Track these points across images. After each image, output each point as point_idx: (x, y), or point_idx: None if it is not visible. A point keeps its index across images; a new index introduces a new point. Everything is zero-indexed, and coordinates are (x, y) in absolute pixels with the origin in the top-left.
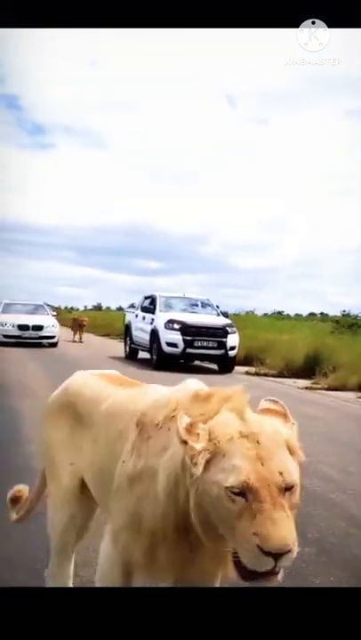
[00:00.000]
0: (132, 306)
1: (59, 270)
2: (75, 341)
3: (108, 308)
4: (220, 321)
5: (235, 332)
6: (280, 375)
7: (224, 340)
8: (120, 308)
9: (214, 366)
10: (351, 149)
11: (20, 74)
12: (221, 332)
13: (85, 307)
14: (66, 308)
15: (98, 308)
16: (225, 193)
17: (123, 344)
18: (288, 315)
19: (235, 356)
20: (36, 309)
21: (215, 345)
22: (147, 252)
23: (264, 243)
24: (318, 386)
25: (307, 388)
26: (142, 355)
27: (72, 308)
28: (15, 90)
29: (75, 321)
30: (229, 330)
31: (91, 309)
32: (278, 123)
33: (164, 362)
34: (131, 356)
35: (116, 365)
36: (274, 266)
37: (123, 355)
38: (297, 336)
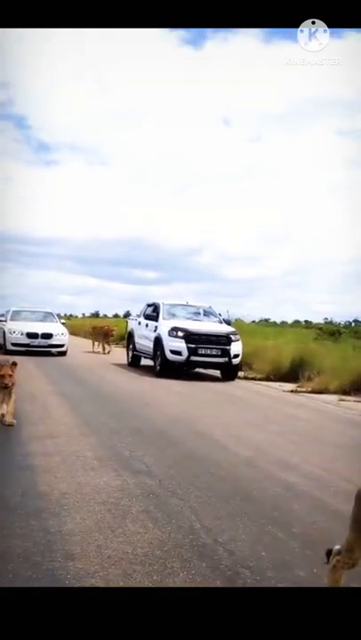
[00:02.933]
0: (128, 314)
1: (60, 279)
2: (95, 352)
3: (105, 315)
4: (224, 329)
5: (238, 340)
6: (267, 379)
7: (228, 347)
8: (116, 316)
9: (217, 373)
10: (340, 168)
11: (28, 95)
12: (225, 340)
13: (83, 314)
14: (65, 315)
15: (95, 315)
16: (219, 207)
17: (120, 348)
18: (275, 322)
19: (238, 364)
20: (45, 317)
21: (219, 353)
22: (143, 262)
23: (254, 254)
24: (303, 389)
25: (292, 391)
26: (145, 362)
27: (71, 316)
28: (23, 110)
29: (96, 329)
30: (233, 337)
31: (88, 316)
32: (271, 141)
33: (167, 369)
34: (133, 363)
35: (120, 372)
36: (262, 276)
37: (125, 361)
38: (283, 342)
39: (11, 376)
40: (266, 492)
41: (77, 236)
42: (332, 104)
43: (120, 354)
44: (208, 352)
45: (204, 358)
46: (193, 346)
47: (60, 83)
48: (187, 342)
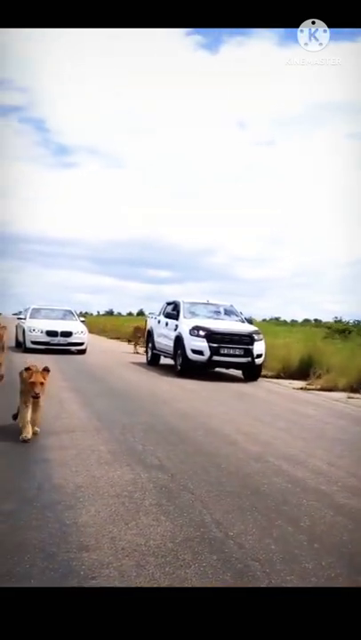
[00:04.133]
0: (142, 312)
1: (75, 278)
2: (137, 353)
3: (119, 313)
4: (247, 328)
5: (261, 340)
6: (277, 377)
7: (251, 347)
8: (130, 314)
9: (239, 373)
10: (350, 171)
11: (48, 99)
12: (248, 340)
13: (98, 312)
14: (80, 313)
15: (110, 313)
16: (231, 209)
17: (133, 346)
18: (285, 320)
19: (261, 364)
20: (65, 315)
21: (242, 352)
22: (157, 262)
23: (265, 255)
24: (312, 387)
25: (301, 388)
26: (164, 360)
27: (86, 313)
28: (43, 114)
29: (140, 330)
30: (256, 337)
31: (103, 314)
32: (283, 144)
33: (188, 369)
34: (153, 362)
35: (140, 370)
36: (273, 276)
37: (144, 360)
38: (293, 340)
39: (42, 384)
40: (275, 487)
41: (93, 237)
42: (343, 108)
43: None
44: (231, 352)
45: (227, 358)
46: (215, 345)
47: (79, 87)
48: (209, 341)
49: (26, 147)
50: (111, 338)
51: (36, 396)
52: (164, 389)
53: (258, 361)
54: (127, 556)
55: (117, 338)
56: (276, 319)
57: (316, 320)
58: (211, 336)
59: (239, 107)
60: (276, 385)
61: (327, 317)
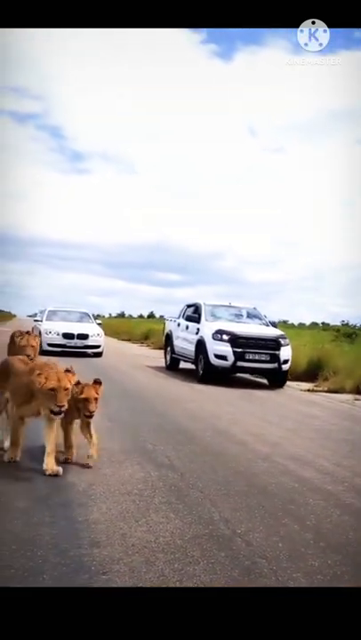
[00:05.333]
0: (152, 315)
1: (88, 281)
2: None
3: (130, 315)
4: (272, 332)
5: (288, 345)
6: None
7: (277, 352)
8: (141, 316)
9: (264, 380)
10: (357, 175)
11: (63, 107)
12: (274, 344)
13: (110, 314)
14: (93, 315)
15: (121, 315)
16: (241, 213)
17: (145, 348)
18: (292, 324)
19: (287, 370)
20: (81, 317)
21: (268, 358)
22: (168, 265)
23: (274, 259)
24: (319, 389)
25: (309, 390)
26: (184, 365)
27: (98, 316)
28: (59, 121)
29: None
30: (282, 342)
31: (115, 317)
32: (293, 150)
33: (211, 375)
34: (172, 367)
35: (159, 376)
36: (282, 279)
37: (162, 364)
38: (300, 343)
39: (97, 400)
40: (282, 486)
41: (106, 241)
42: (353, 115)
43: (160, 356)
44: (256, 357)
45: (252, 364)
46: (240, 350)
47: (94, 95)
48: (233, 346)
49: (42, 153)
50: (123, 340)
51: (90, 415)
52: (173, 390)
53: (284, 367)
54: (137, 552)
55: (129, 340)
56: (285, 322)
57: (323, 323)
58: (235, 340)
59: (250, 114)
60: (284, 387)
61: (334, 320)
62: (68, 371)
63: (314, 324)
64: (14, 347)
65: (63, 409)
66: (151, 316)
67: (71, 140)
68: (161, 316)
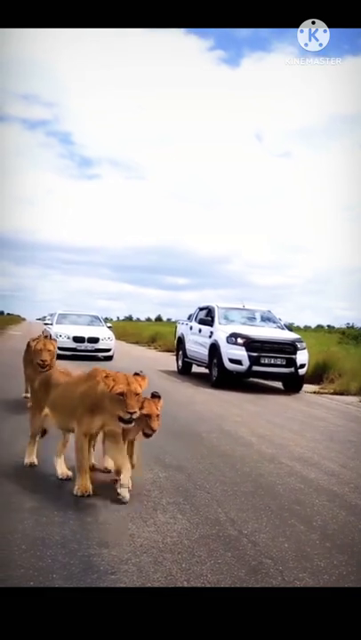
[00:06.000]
0: (159, 318)
1: (97, 285)
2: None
3: (137, 318)
4: (289, 335)
5: (304, 349)
6: None
7: (293, 356)
8: (148, 319)
9: (279, 384)
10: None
11: (73, 114)
12: (290, 348)
13: (118, 317)
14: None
15: (129, 318)
16: (248, 218)
17: (153, 351)
18: (298, 327)
19: (304, 375)
20: (92, 321)
21: (284, 362)
22: (175, 269)
23: (280, 263)
24: (325, 391)
25: (314, 392)
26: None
27: (106, 319)
28: (69, 127)
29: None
30: (299, 345)
31: (122, 320)
32: (299, 155)
33: (225, 380)
34: (184, 371)
35: (171, 380)
36: (287, 283)
37: (170, 366)
38: (306, 346)
39: (158, 417)
40: (288, 487)
41: (114, 245)
42: (358, 119)
43: (166, 358)
44: (272, 361)
45: (268, 368)
46: (255, 354)
47: (103, 102)
48: (248, 350)
49: (52, 159)
50: (130, 342)
51: (151, 434)
52: (181, 392)
53: (301, 371)
54: (145, 552)
55: (136, 342)
56: (290, 325)
57: (328, 326)
58: (250, 344)
59: (257, 120)
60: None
61: (339, 323)
62: (137, 374)
63: (319, 327)
64: (29, 354)
65: (135, 416)
66: (158, 319)
67: (80, 147)
68: (168, 319)
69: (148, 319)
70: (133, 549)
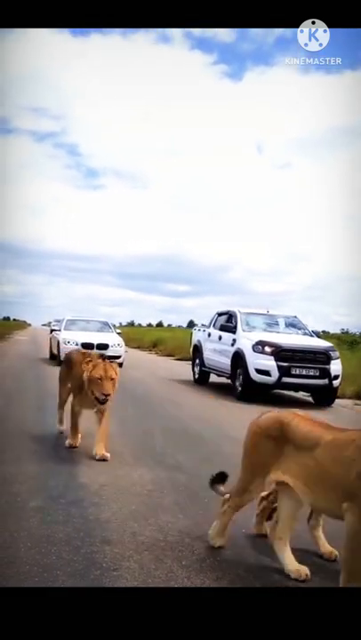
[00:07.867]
0: (160, 324)
1: (101, 292)
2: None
3: (139, 324)
4: (321, 344)
5: (338, 358)
6: None
7: (327, 367)
8: (150, 325)
9: (308, 397)
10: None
11: (79, 126)
12: (323, 358)
13: (120, 323)
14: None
15: (131, 324)
16: (248, 227)
17: (154, 355)
18: None
19: (338, 387)
20: (101, 327)
21: (317, 373)
22: (177, 277)
23: (278, 270)
24: None
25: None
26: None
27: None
28: (75, 139)
29: None
30: (332, 354)
31: (125, 326)
32: (299, 166)
33: (252, 392)
34: (201, 381)
35: (188, 391)
36: (287, 290)
37: (174, 369)
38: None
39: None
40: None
41: (118, 253)
42: (356, 131)
43: (164, 362)
44: (304, 372)
45: (299, 380)
46: (285, 364)
47: (109, 114)
48: (277, 360)
49: (59, 169)
50: (132, 347)
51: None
52: (182, 393)
53: (335, 383)
54: (147, 550)
55: (138, 347)
56: (322, 332)
57: (323, 331)
58: (280, 353)
59: (259, 132)
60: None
61: (334, 329)
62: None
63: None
64: (70, 374)
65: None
66: (159, 324)
67: (86, 158)
68: (169, 325)
69: (150, 325)
70: (135, 547)
